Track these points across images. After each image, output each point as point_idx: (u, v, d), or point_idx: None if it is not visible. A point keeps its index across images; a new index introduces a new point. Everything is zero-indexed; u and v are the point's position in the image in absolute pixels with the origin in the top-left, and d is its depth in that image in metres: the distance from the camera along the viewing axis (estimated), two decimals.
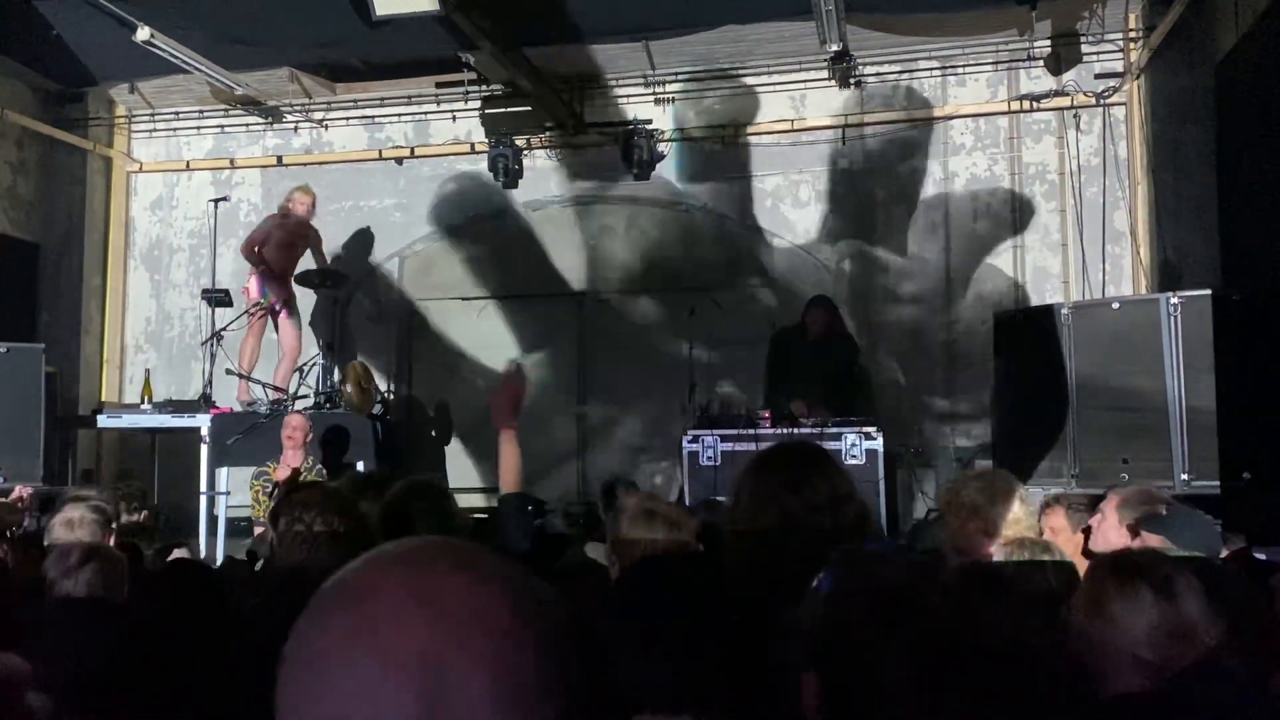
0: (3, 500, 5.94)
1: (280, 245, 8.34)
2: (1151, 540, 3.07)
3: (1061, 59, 8.44)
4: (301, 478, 6.43)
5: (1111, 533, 3.38)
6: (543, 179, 9.40)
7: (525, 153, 9.28)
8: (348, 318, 9.44)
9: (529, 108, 8.67)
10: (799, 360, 7.57)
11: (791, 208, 9.01)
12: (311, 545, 2.73)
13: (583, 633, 0.75)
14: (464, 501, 7.57)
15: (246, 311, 8.27)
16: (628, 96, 9.22)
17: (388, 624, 0.69)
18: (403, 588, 0.71)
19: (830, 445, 6.87)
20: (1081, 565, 3.29)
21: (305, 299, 8.77)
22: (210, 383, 8.14)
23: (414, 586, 0.71)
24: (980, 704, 1.80)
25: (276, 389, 8.14)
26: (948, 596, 1.56)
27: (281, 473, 6.62)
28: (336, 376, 8.35)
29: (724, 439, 7.11)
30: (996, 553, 3.03)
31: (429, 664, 0.67)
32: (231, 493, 7.57)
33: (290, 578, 2.71)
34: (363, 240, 9.66)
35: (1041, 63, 8.51)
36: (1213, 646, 1.90)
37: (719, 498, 6.75)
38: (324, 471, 6.94)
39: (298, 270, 8.54)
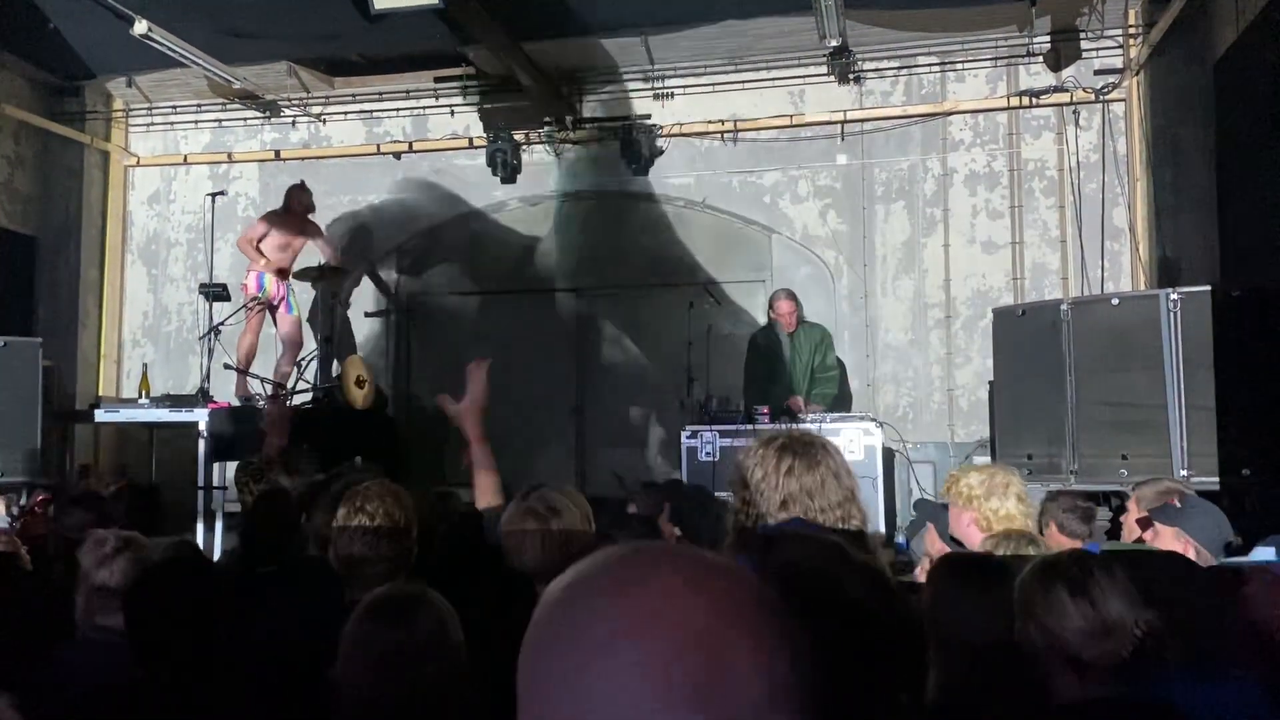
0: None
1: (278, 243, 8.33)
2: (1165, 532, 3.08)
3: (1061, 55, 8.43)
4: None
5: (1132, 528, 3.42)
6: (541, 174, 9.38)
7: (523, 148, 9.27)
8: (346, 312, 9.43)
9: (527, 103, 8.65)
10: (780, 355, 7.65)
11: (790, 203, 9.01)
12: (374, 537, 2.73)
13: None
14: (462, 497, 7.57)
15: (244, 306, 8.26)
16: (627, 92, 9.20)
17: (664, 610, 0.70)
18: (671, 576, 0.73)
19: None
20: None
21: (304, 294, 8.76)
22: (208, 377, 8.12)
23: (682, 575, 0.73)
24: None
25: (274, 384, 8.13)
26: (861, 577, 1.54)
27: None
28: (334, 371, 8.35)
29: (722, 435, 7.12)
30: (981, 542, 3.05)
31: (707, 644, 0.69)
32: (229, 488, 7.55)
33: (353, 566, 2.69)
34: (360, 236, 9.64)
35: (1041, 59, 8.51)
36: (1142, 639, 1.88)
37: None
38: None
39: (297, 266, 8.54)
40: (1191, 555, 3.00)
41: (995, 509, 3.18)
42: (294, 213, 8.43)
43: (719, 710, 0.67)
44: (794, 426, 6.94)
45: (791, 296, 7.86)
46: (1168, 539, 3.06)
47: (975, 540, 3.13)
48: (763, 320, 8.40)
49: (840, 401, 7.96)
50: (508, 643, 0.80)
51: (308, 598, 2.81)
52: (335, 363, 8.61)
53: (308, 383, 8.22)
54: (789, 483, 2.21)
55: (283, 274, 8.39)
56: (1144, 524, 3.19)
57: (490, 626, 2.15)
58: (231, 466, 7.91)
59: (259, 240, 8.30)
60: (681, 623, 0.69)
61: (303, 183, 8.59)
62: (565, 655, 0.71)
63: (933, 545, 3.55)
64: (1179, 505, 3.23)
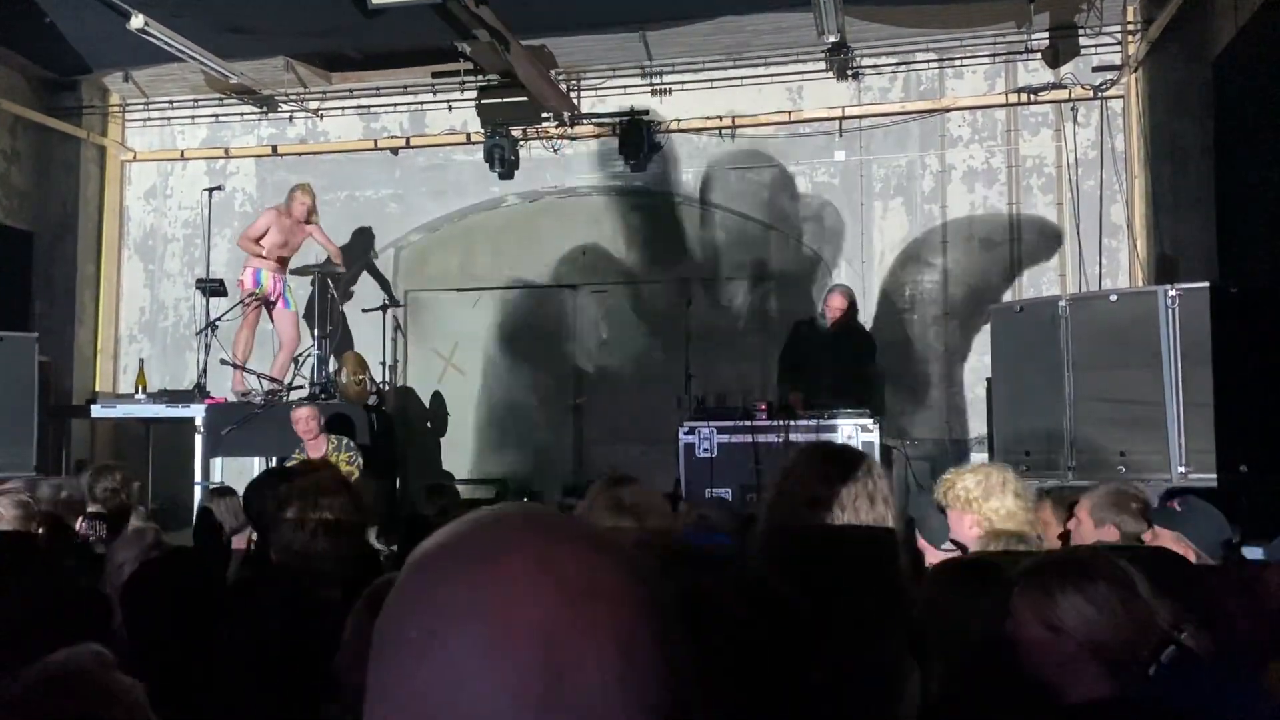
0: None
1: (277, 241, 8.31)
2: (1165, 535, 3.07)
3: (1059, 52, 8.43)
4: (334, 458, 6.46)
5: (1088, 536, 3.38)
6: (539, 169, 9.37)
7: (521, 143, 9.26)
8: (343, 308, 9.42)
9: (525, 98, 8.64)
10: (813, 350, 7.51)
11: (788, 199, 9.00)
12: (324, 531, 2.71)
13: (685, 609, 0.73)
14: (461, 492, 7.56)
15: (241, 302, 8.25)
16: (625, 87, 9.19)
17: (509, 592, 0.66)
18: (521, 554, 0.68)
19: (826, 437, 6.90)
20: None
21: (300, 289, 8.75)
22: (205, 373, 8.12)
23: (533, 553, 0.69)
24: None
25: (271, 379, 8.13)
26: (753, 599, 1.52)
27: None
28: (332, 367, 8.34)
29: (720, 430, 7.11)
30: (976, 545, 3.04)
31: (552, 635, 0.65)
32: (225, 483, 7.54)
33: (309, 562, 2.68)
34: (358, 231, 9.62)
35: (1039, 55, 8.51)
36: (1167, 630, 1.88)
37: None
38: (353, 445, 6.96)
39: (295, 262, 8.54)
40: (1190, 558, 2.99)
41: (996, 508, 3.16)
42: (295, 215, 8.40)
43: (556, 705, 0.64)
44: (790, 424, 6.94)
45: (845, 294, 7.60)
46: (1167, 542, 3.05)
47: (976, 542, 3.12)
48: (760, 315, 8.40)
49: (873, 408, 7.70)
50: None
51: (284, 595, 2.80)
52: (332, 358, 8.60)
53: (304, 378, 8.21)
54: (822, 490, 2.19)
55: (282, 263, 8.38)
56: (1146, 523, 3.18)
57: None
58: (227, 461, 7.92)
59: (259, 238, 8.29)
60: (520, 610, 0.66)
61: (308, 185, 8.55)
62: (415, 625, 0.68)
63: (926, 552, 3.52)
64: (1179, 508, 3.22)
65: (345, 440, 6.97)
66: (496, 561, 0.68)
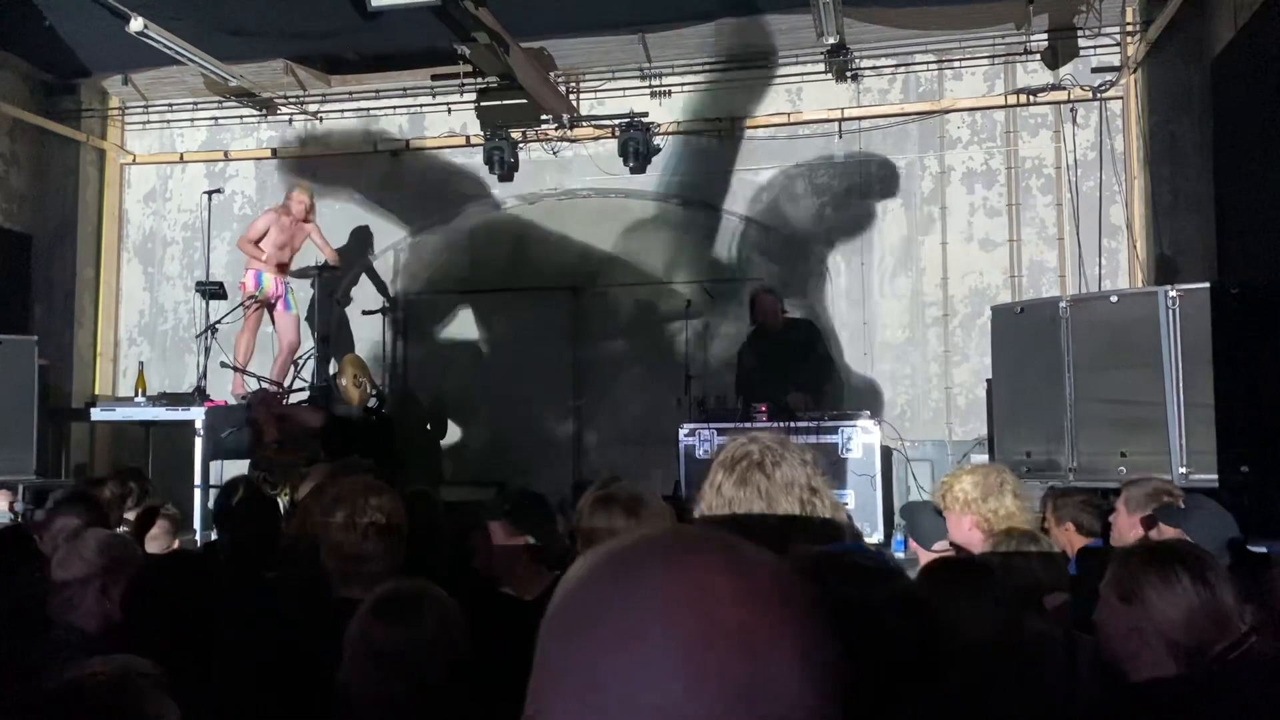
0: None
1: (277, 242, 8.32)
2: (1169, 533, 3.08)
3: (1058, 53, 8.43)
4: None
5: (1125, 528, 3.40)
6: (538, 172, 9.37)
7: (521, 146, 9.26)
8: (343, 310, 9.41)
9: (524, 100, 8.64)
10: (768, 355, 7.59)
11: (788, 201, 9.00)
12: (377, 535, 2.70)
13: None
14: (458, 495, 7.56)
15: (241, 304, 8.25)
16: (624, 89, 9.19)
17: (710, 594, 0.67)
18: (717, 560, 0.69)
19: (827, 439, 6.92)
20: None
21: (301, 292, 8.74)
22: (204, 376, 8.11)
23: (723, 559, 0.69)
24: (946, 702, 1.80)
25: (271, 382, 8.12)
26: (909, 601, 1.55)
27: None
28: (331, 369, 8.33)
29: (720, 432, 7.11)
30: (985, 544, 3.04)
31: (753, 641, 0.66)
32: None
33: (351, 564, 2.67)
34: (357, 234, 9.62)
35: (1038, 57, 8.51)
36: (1245, 632, 1.92)
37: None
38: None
39: (296, 264, 8.54)
40: None
41: (995, 509, 3.17)
42: (294, 214, 8.41)
43: (757, 712, 0.64)
44: (791, 425, 6.94)
45: (770, 292, 7.75)
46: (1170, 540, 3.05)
47: (978, 543, 3.12)
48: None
49: (832, 393, 7.83)
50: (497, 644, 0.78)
51: (300, 598, 2.79)
52: (332, 361, 8.60)
53: (304, 381, 8.21)
54: (718, 501, 2.20)
55: (282, 268, 8.38)
56: (1148, 524, 3.18)
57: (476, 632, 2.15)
58: (227, 464, 7.91)
59: (258, 239, 8.29)
60: (720, 612, 0.66)
61: (306, 185, 8.57)
62: (590, 639, 0.67)
63: (918, 554, 3.53)
64: (1183, 506, 3.22)
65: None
66: (692, 564, 0.69)
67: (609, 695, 0.65)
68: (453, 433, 9.38)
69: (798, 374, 7.54)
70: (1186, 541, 2.24)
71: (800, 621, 0.68)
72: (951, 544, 3.35)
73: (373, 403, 8.51)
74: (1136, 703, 1.97)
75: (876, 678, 1.40)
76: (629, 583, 0.69)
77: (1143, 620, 1.95)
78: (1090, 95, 8.33)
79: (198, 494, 7.55)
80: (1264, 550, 3.73)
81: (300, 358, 8.36)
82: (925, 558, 3.25)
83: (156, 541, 4.39)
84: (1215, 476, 5.09)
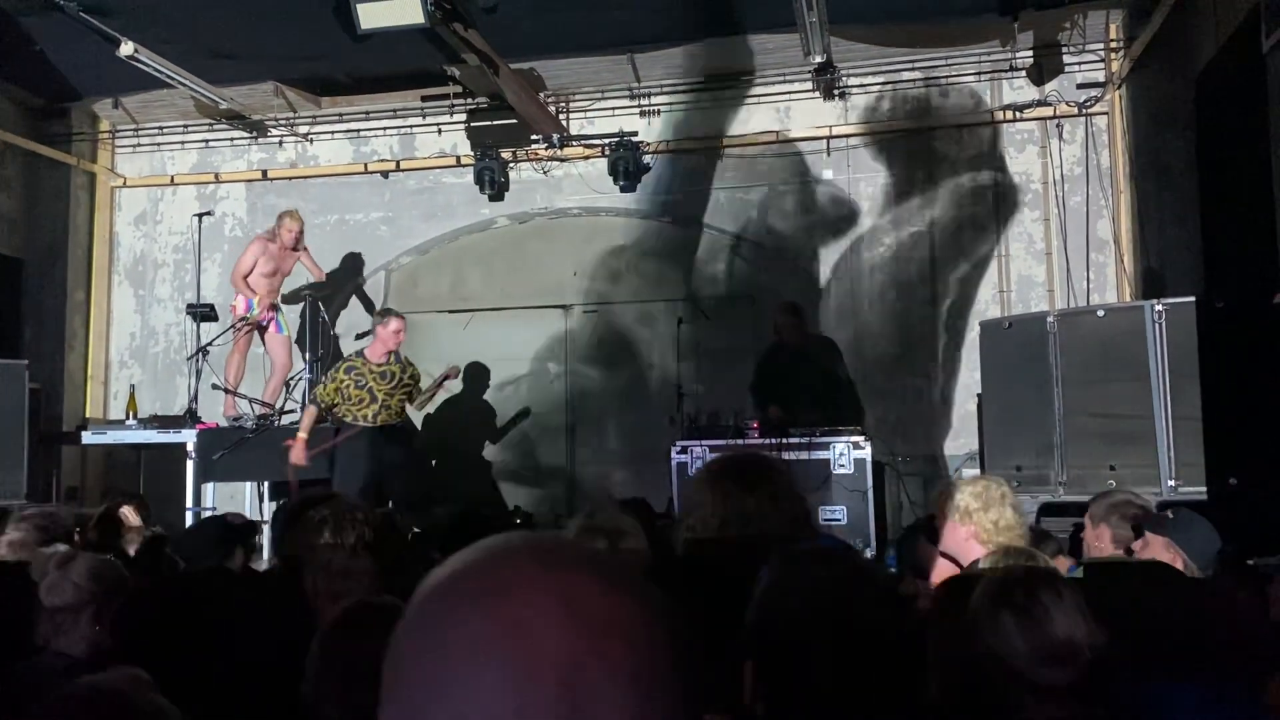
0: None
1: (266, 271, 8.31)
2: (1156, 541, 3.09)
3: (1044, 69, 8.50)
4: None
5: (1089, 537, 3.42)
6: (529, 191, 9.40)
7: (511, 165, 9.30)
8: (334, 332, 9.41)
9: (514, 120, 8.68)
10: (786, 372, 7.58)
11: (777, 218, 9.04)
12: (360, 556, 2.73)
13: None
14: (447, 515, 7.54)
15: (232, 326, 8.24)
16: (613, 109, 9.24)
17: (528, 625, 0.65)
18: (541, 586, 0.67)
19: (819, 455, 6.93)
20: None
21: (292, 314, 8.75)
22: (196, 398, 8.10)
23: (552, 586, 0.67)
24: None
25: (263, 404, 8.11)
26: (886, 597, 1.57)
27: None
28: None
29: (712, 450, 7.11)
30: (983, 560, 3.04)
31: (571, 671, 0.64)
32: (218, 508, 7.52)
33: (337, 584, 2.69)
34: (348, 254, 9.63)
35: (1024, 73, 8.58)
36: (1094, 660, 1.78)
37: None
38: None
39: (286, 288, 8.54)
40: (1179, 567, 3.00)
41: (995, 520, 3.18)
42: (283, 242, 8.40)
43: None
44: (782, 441, 6.95)
45: (792, 310, 7.71)
46: (1158, 549, 3.07)
47: (975, 554, 3.12)
48: (751, 334, 8.41)
49: (856, 415, 7.77)
50: None
51: (280, 619, 2.80)
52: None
53: (296, 402, 8.20)
54: (725, 505, 2.23)
55: (273, 306, 8.37)
56: (1136, 533, 3.20)
57: None
58: (219, 486, 7.89)
59: (247, 274, 8.27)
60: (542, 644, 0.65)
61: (295, 212, 8.55)
62: (429, 660, 0.67)
63: (930, 560, 3.52)
64: (1171, 515, 3.24)
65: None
66: (510, 596, 0.67)
67: (437, 709, 0.65)
68: (442, 453, 9.37)
69: (814, 391, 7.47)
70: (1022, 570, 2.10)
71: (631, 648, 0.66)
72: (942, 553, 3.36)
73: None
74: None
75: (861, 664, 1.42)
76: (465, 606, 0.68)
77: (999, 664, 1.80)
78: (1076, 111, 8.40)
79: (189, 517, 7.53)
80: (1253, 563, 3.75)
81: (292, 379, 8.36)
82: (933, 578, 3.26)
83: (133, 531, 4.34)
84: (1204, 489, 5.11)
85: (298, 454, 6.95)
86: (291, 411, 8.14)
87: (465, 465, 9.29)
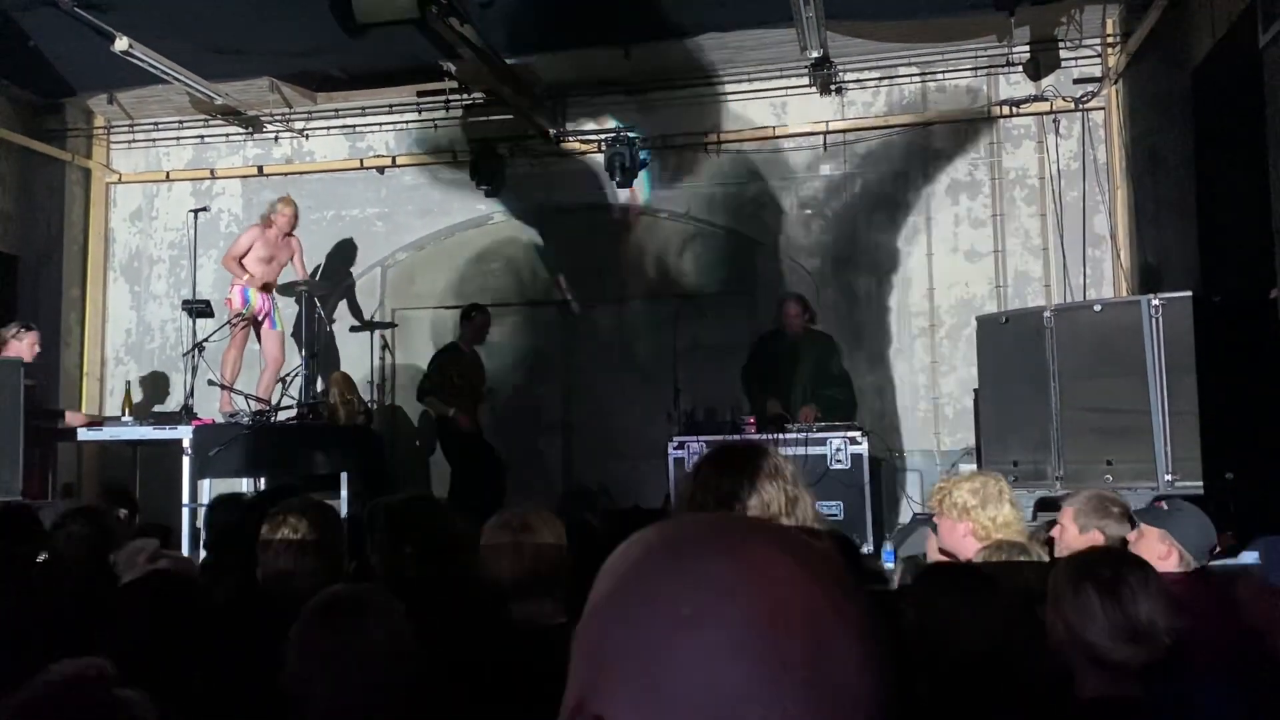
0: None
1: (262, 256, 8.31)
2: (1151, 533, 3.09)
3: (1040, 64, 8.49)
4: None
5: (1073, 542, 3.40)
6: (525, 187, 9.39)
7: (507, 161, 9.28)
8: (330, 328, 9.40)
9: (511, 116, 8.67)
10: (781, 361, 7.62)
11: (773, 214, 9.03)
12: (298, 553, 2.74)
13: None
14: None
15: (228, 322, 8.23)
16: (610, 104, 9.22)
17: (774, 570, 0.66)
18: (771, 542, 0.68)
19: (815, 450, 6.93)
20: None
21: (287, 309, 8.73)
22: (192, 394, 8.07)
23: (779, 542, 0.69)
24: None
25: (259, 400, 8.10)
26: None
27: None
28: (319, 387, 8.31)
29: (709, 445, 7.10)
30: (978, 553, 3.04)
31: (814, 616, 0.65)
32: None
33: (280, 582, 2.70)
34: (344, 250, 9.62)
35: (1020, 68, 8.58)
36: (1170, 646, 1.84)
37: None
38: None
39: (280, 281, 8.52)
40: (1175, 558, 3.00)
41: (993, 517, 3.18)
42: (278, 227, 8.40)
43: (822, 698, 0.62)
44: (778, 437, 6.95)
45: (800, 300, 7.84)
46: (1153, 540, 3.06)
47: (972, 551, 3.12)
48: (750, 331, 8.42)
49: (847, 410, 7.81)
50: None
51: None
52: (319, 379, 8.58)
53: (292, 398, 8.19)
54: (703, 489, 2.22)
55: (267, 288, 8.37)
56: (1131, 524, 3.20)
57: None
58: (215, 482, 7.87)
59: (242, 256, 8.28)
60: (783, 593, 0.65)
61: (287, 196, 8.57)
62: (644, 628, 0.65)
63: (932, 552, 3.52)
64: (1165, 507, 3.24)
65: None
66: (752, 548, 0.67)
67: (673, 680, 0.63)
68: (440, 450, 9.35)
69: (806, 382, 7.52)
70: (1108, 551, 2.16)
71: (858, 604, 0.67)
72: (941, 550, 3.36)
73: (360, 420, 8.48)
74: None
75: None
76: (688, 566, 0.67)
77: (1068, 636, 1.89)
78: (1072, 106, 8.40)
79: (186, 513, 7.51)
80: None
81: (287, 375, 8.34)
82: None
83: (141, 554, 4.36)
84: (1200, 483, 5.11)
85: None
86: (289, 408, 8.13)
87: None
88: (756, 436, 7.03)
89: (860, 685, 0.64)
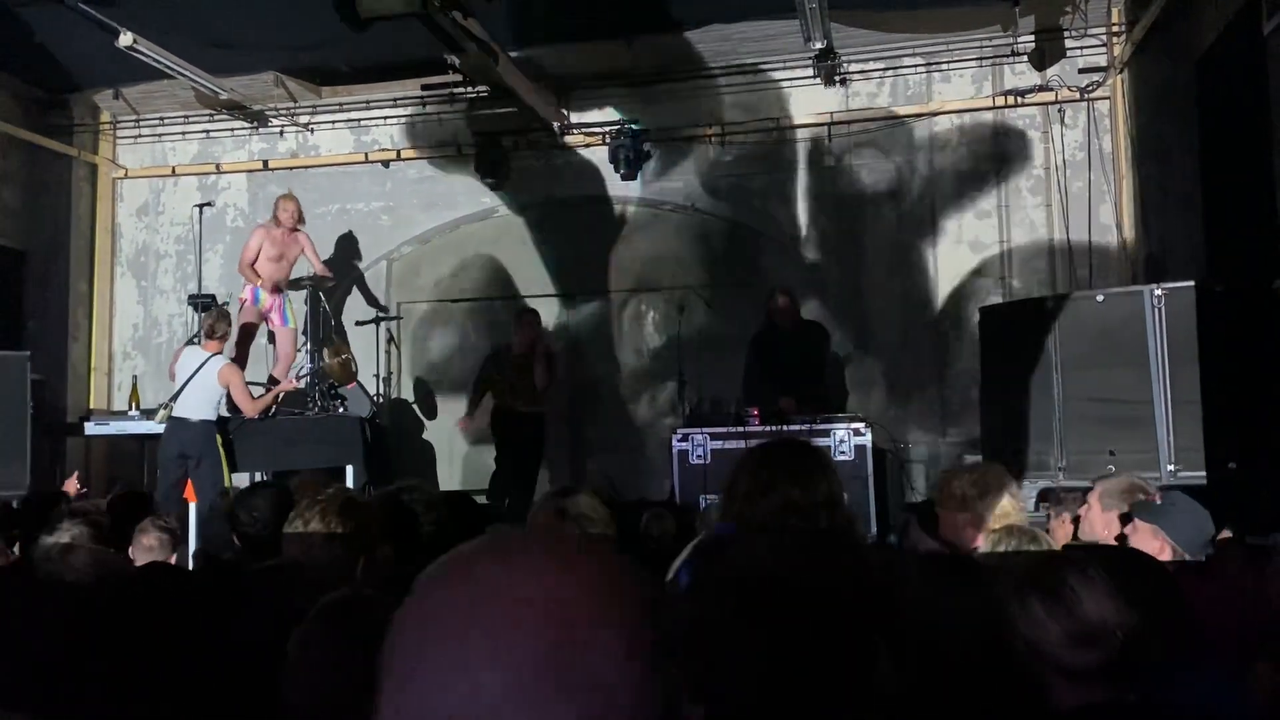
0: None
1: (271, 255, 8.32)
2: (1144, 529, 3.08)
3: (1045, 54, 8.47)
4: None
5: (1098, 524, 3.40)
6: (530, 180, 9.39)
7: (512, 154, 9.28)
8: (336, 321, 9.42)
9: (515, 109, 8.67)
10: (781, 355, 7.61)
11: (778, 205, 9.03)
12: (310, 545, 2.74)
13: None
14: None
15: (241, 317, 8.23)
16: (614, 97, 9.22)
17: (518, 576, 0.70)
18: (533, 552, 0.72)
19: (820, 441, 6.92)
20: None
21: (296, 304, 8.74)
22: None
23: (543, 548, 0.73)
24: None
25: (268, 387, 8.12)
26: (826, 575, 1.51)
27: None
28: (326, 382, 8.32)
29: (713, 437, 7.12)
30: (983, 543, 3.04)
31: (557, 610, 0.67)
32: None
33: (290, 573, 2.70)
34: (349, 244, 9.64)
35: (1025, 58, 8.55)
36: (1125, 641, 1.80)
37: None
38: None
39: (291, 276, 8.55)
40: (1167, 553, 2.98)
41: (990, 508, 3.18)
42: (283, 224, 8.41)
43: (580, 694, 0.65)
44: (783, 429, 6.95)
45: (788, 293, 7.84)
46: (1145, 536, 3.06)
47: (973, 542, 3.12)
48: (754, 321, 8.41)
49: (830, 399, 7.85)
50: None
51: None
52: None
53: (301, 380, 8.22)
54: (769, 488, 2.23)
55: (277, 288, 8.38)
56: (1124, 519, 3.19)
57: None
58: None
59: (254, 261, 8.27)
60: (529, 598, 0.68)
61: (288, 192, 8.57)
62: (423, 645, 0.69)
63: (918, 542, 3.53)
64: (1159, 501, 3.22)
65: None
66: (494, 566, 0.71)
67: (445, 705, 0.67)
68: (448, 442, 9.39)
69: (801, 374, 7.53)
70: (1054, 556, 2.12)
71: (621, 602, 0.70)
72: (944, 542, 3.36)
73: (368, 411, 8.51)
74: None
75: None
76: (449, 588, 0.71)
77: (1029, 648, 1.85)
78: (1077, 96, 8.37)
79: (192, 507, 7.55)
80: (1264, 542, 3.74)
81: (293, 374, 8.36)
82: None
83: (151, 553, 4.39)
84: (1203, 473, 5.11)
85: None
86: (302, 376, 8.17)
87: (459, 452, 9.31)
88: (760, 428, 7.03)
89: (624, 675, 0.67)
